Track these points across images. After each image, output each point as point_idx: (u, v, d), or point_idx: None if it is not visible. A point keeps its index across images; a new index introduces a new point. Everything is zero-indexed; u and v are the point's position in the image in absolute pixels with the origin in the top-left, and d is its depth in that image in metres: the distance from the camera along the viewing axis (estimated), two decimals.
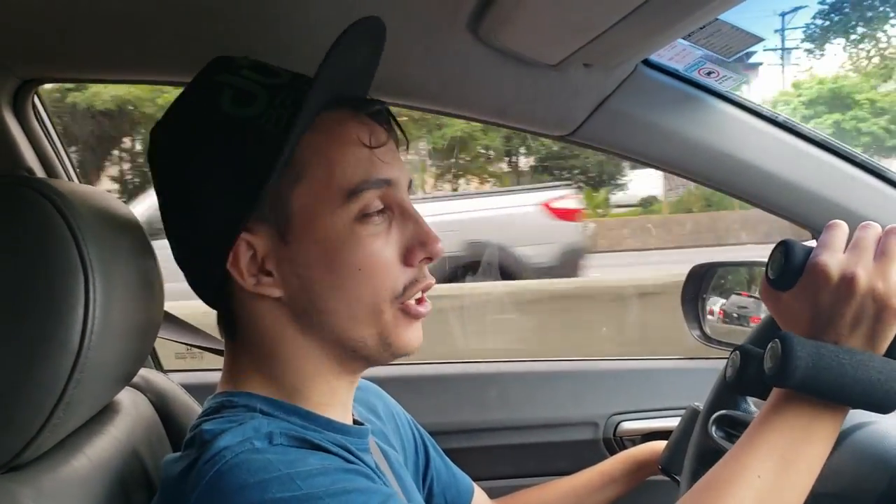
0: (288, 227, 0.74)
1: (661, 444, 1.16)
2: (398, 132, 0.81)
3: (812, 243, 0.73)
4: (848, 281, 0.68)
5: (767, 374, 0.69)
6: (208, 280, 0.77)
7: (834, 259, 0.70)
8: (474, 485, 1.09)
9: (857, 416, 0.82)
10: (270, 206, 0.73)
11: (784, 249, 0.72)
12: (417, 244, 0.77)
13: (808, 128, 1.14)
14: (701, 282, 1.40)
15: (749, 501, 0.66)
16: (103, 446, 0.79)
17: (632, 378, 1.58)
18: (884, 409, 0.69)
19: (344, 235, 0.74)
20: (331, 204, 0.73)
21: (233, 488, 0.65)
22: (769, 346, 0.70)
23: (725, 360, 0.80)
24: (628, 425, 1.51)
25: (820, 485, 0.78)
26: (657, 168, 1.19)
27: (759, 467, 0.67)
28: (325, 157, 0.74)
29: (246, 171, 0.72)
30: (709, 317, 1.43)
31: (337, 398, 0.80)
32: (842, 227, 0.72)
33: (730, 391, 0.78)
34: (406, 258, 0.76)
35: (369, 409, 0.96)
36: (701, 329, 1.40)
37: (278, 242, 0.74)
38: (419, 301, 0.79)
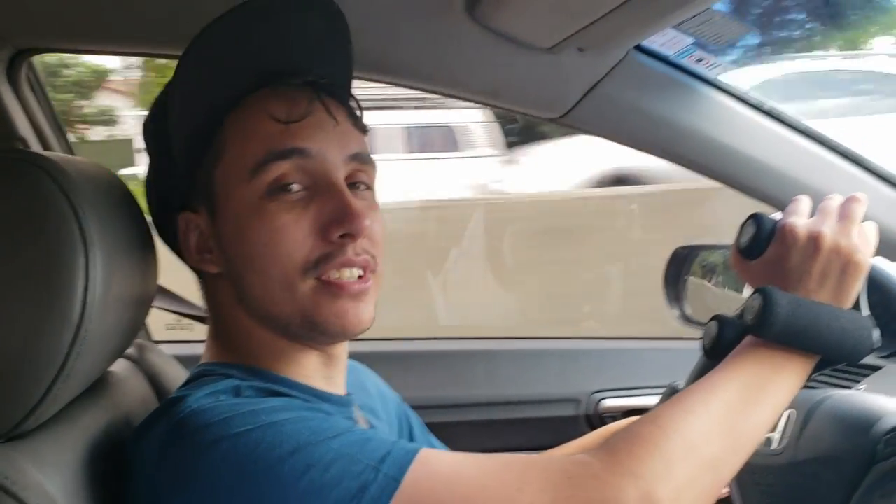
0: (214, 205, 0.78)
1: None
2: (348, 106, 0.81)
3: (778, 215, 0.78)
4: (814, 239, 0.74)
5: (749, 325, 0.73)
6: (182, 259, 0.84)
7: (801, 221, 0.76)
8: None
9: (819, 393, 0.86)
10: (202, 186, 0.78)
11: (755, 220, 0.78)
12: (335, 219, 0.74)
13: (794, 116, 1.16)
14: (683, 264, 1.42)
15: (716, 409, 0.69)
16: (99, 416, 0.80)
17: (614, 357, 1.61)
18: (854, 356, 0.74)
19: (251, 210, 0.75)
20: (241, 180, 0.75)
21: (197, 428, 0.67)
22: (749, 300, 0.74)
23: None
24: (609, 402, 1.54)
25: (801, 452, 0.82)
26: (647, 152, 1.20)
27: (727, 385, 0.71)
28: (241, 134, 0.76)
29: (180, 153, 0.78)
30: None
31: (311, 370, 0.81)
32: (807, 198, 0.79)
33: (708, 358, 0.81)
34: (323, 232, 0.75)
35: (359, 387, 0.98)
36: (682, 310, 1.42)
37: (209, 221, 0.79)
38: (360, 277, 0.77)
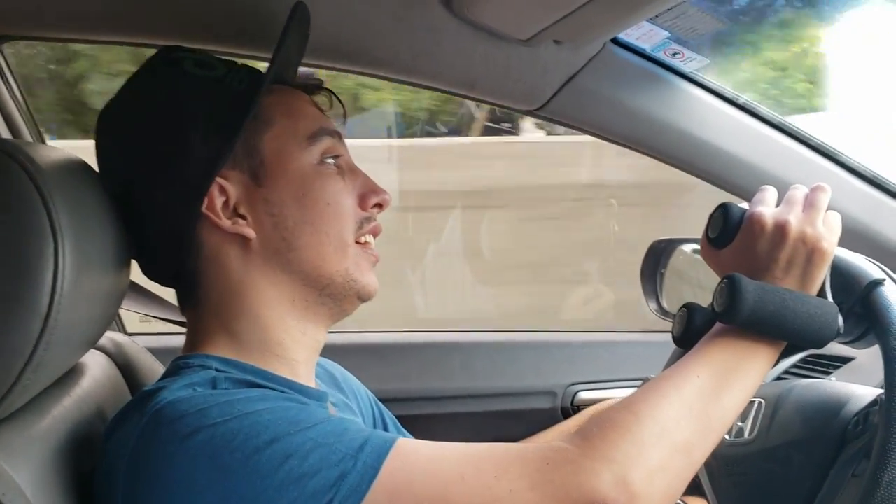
0: (261, 170, 0.81)
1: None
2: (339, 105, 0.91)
3: (746, 205, 0.80)
4: (781, 227, 0.76)
5: (717, 312, 0.74)
6: (178, 234, 0.80)
7: (768, 211, 0.78)
8: None
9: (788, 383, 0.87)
10: (242, 153, 0.80)
11: (723, 210, 0.80)
12: (370, 191, 0.85)
13: (768, 110, 1.17)
14: (660, 257, 1.43)
15: (687, 394, 0.71)
16: (70, 407, 0.80)
17: (591, 350, 1.62)
18: (820, 341, 0.75)
19: (312, 174, 0.82)
20: (298, 147, 0.82)
21: (172, 419, 0.67)
22: (717, 286, 0.75)
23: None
24: (585, 395, 1.55)
25: (773, 439, 0.83)
26: (622, 145, 1.21)
27: (698, 370, 0.73)
28: (287, 110, 0.83)
29: (218, 121, 0.78)
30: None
31: (301, 354, 0.83)
32: (773, 189, 0.81)
33: (678, 346, 0.83)
34: (361, 202, 0.85)
35: (332, 384, 0.98)
36: (659, 303, 1.43)
37: (251, 186, 0.80)
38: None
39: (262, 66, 0.85)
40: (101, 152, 0.83)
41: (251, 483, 0.63)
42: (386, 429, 1.06)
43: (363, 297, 0.85)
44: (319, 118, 0.86)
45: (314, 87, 0.89)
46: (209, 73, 0.81)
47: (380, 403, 1.08)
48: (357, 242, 0.84)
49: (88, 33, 1.11)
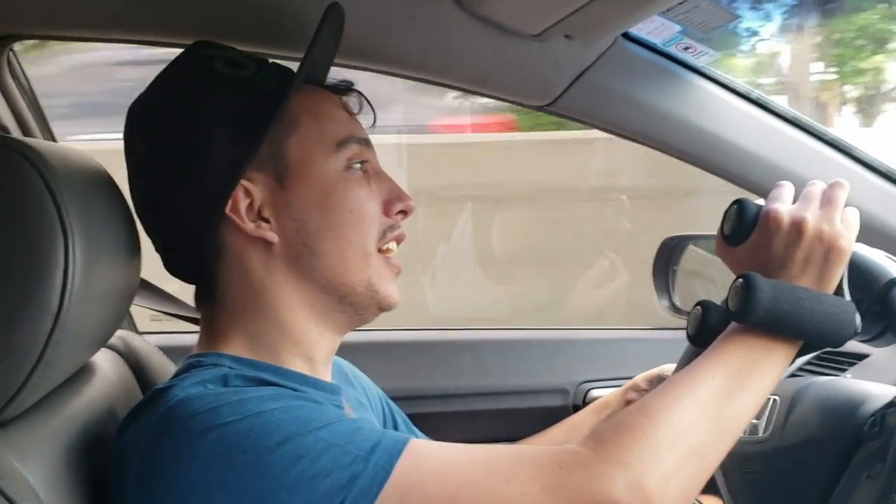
0: (286, 173, 0.80)
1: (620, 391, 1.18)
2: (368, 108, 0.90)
3: (762, 201, 0.78)
4: (797, 225, 0.74)
5: (732, 311, 0.73)
6: (201, 235, 0.79)
7: (784, 207, 0.76)
8: None
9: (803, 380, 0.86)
10: (268, 156, 0.79)
11: (738, 207, 0.78)
12: (395, 198, 0.84)
13: (782, 105, 1.16)
14: (672, 254, 1.42)
15: (702, 396, 0.70)
16: (80, 406, 0.80)
17: (603, 347, 1.61)
18: (837, 340, 0.74)
19: (336, 180, 0.81)
20: (324, 152, 0.81)
21: (184, 418, 0.66)
22: (732, 285, 0.74)
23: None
24: (597, 392, 1.54)
25: (787, 438, 0.82)
26: (633, 140, 1.20)
27: (713, 372, 0.72)
28: (314, 113, 0.82)
29: (245, 123, 0.78)
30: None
31: (316, 355, 0.82)
32: (790, 185, 0.80)
33: (693, 344, 0.82)
34: (386, 209, 0.83)
35: (344, 382, 0.98)
36: (671, 300, 1.42)
37: (275, 189, 0.80)
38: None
39: (292, 65, 0.84)
40: (129, 150, 0.82)
41: (262, 483, 0.63)
42: (396, 427, 1.06)
43: (384, 308, 0.84)
44: (348, 123, 0.85)
45: (345, 88, 0.88)
46: (238, 72, 0.80)
47: (391, 402, 1.08)
48: (380, 251, 0.83)
49: (105, 32, 1.11)
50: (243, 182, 0.78)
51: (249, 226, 0.78)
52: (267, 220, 0.79)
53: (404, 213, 0.85)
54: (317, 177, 0.80)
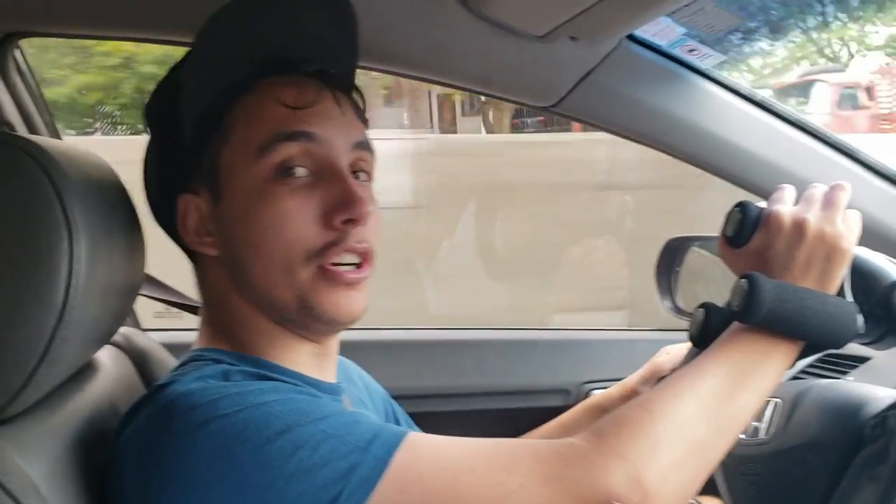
0: (219, 186, 0.77)
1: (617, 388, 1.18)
2: (354, 95, 0.84)
3: (764, 203, 0.79)
4: (799, 226, 0.75)
5: (734, 311, 0.74)
6: (175, 241, 0.83)
7: (786, 209, 0.76)
8: None
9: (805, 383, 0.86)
10: (206, 169, 0.78)
11: (741, 208, 0.79)
12: (339, 204, 0.75)
13: (785, 107, 1.16)
14: (675, 255, 1.42)
15: (702, 393, 0.70)
16: (84, 403, 0.80)
17: (604, 348, 1.61)
18: (839, 341, 0.74)
19: (257, 192, 0.75)
20: (247, 160, 0.75)
21: (183, 410, 0.67)
22: (735, 285, 0.74)
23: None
24: (599, 393, 1.54)
25: (789, 440, 0.82)
26: (637, 142, 1.20)
27: (714, 370, 0.72)
28: (249, 117, 0.77)
29: (175, 141, 0.78)
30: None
31: (303, 358, 0.81)
32: (791, 187, 0.80)
33: (695, 346, 0.82)
34: (326, 218, 0.75)
35: (346, 379, 0.98)
36: (673, 301, 1.42)
37: (212, 204, 0.78)
38: (357, 266, 0.77)
39: None
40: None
41: (262, 473, 0.63)
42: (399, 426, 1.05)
43: (326, 322, 0.77)
44: (285, 119, 0.75)
45: (299, 69, 0.79)
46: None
47: (394, 402, 1.08)
48: (321, 266, 0.75)
49: (110, 30, 1.11)
50: (188, 196, 0.79)
51: (193, 240, 0.80)
52: (211, 234, 0.79)
53: (354, 221, 0.75)
54: (240, 189, 0.76)
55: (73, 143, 0.83)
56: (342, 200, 0.75)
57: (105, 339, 0.86)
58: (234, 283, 0.79)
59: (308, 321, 0.78)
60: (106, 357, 0.92)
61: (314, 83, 0.79)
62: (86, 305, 0.69)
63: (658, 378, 1.10)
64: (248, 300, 0.79)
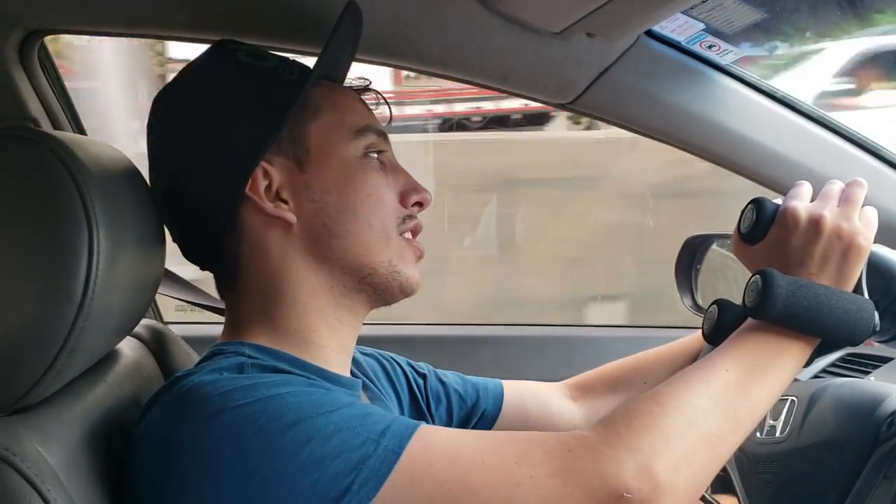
0: (306, 157, 0.82)
1: None
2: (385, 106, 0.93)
3: (780, 200, 0.78)
4: (815, 222, 0.75)
5: (749, 307, 0.73)
6: (221, 215, 0.81)
7: (802, 205, 0.77)
8: (507, 382, 1.09)
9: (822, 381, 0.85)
10: (288, 140, 0.82)
11: (756, 205, 0.79)
12: (411, 189, 0.86)
13: (807, 104, 1.15)
14: (695, 252, 1.41)
15: (715, 387, 0.70)
16: (104, 393, 0.81)
17: (621, 345, 1.60)
18: (855, 338, 0.74)
19: (356, 165, 0.83)
20: (343, 139, 0.83)
21: (197, 401, 0.68)
22: (749, 281, 0.74)
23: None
24: None
25: (804, 438, 0.81)
26: (656, 139, 1.20)
27: (727, 364, 0.72)
28: (335, 103, 0.85)
29: (267, 107, 0.80)
30: None
31: (336, 342, 0.83)
32: (808, 184, 0.81)
33: (709, 343, 0.82)
34: (402, 199, 0.85)
35: (371, 378, 0.99)
36: (693, 299, 1.41)
37: (295, 172, 0.82)
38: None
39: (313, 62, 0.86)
40: (152, 135, 0.85)
41: (273, 464, 0.64)
42: (411, 384, 1.04)
43: (405, 290, 0.85)
44: (367, 115, 0.87)
45: (362, 87, 0.91)
46: (261, 62, 0.84)
47: (411, 365, 1.07)
48: (400, 235, 0.85)
49: (134, 28, 1.13)
50: (263, 163, 0.80)
51: (268, 205, 0.80)
52: (286, 202, 0.81)
53: (420, 204, 0.87)
54: (336, 161, 0.82)
55: (95, 139, 0.84)
56: (413, 186, 0.86)
57: (125, 331, 0.87)
58: (312, 253, 0.81)
59: (387, 288, 0.84)
60: (127, 349, 0.94)
61: (372, 93, 0.92)
62: (106, 298, 0.70)
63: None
64: (324, 269, 0.82)
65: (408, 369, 1.06)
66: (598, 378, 1.14)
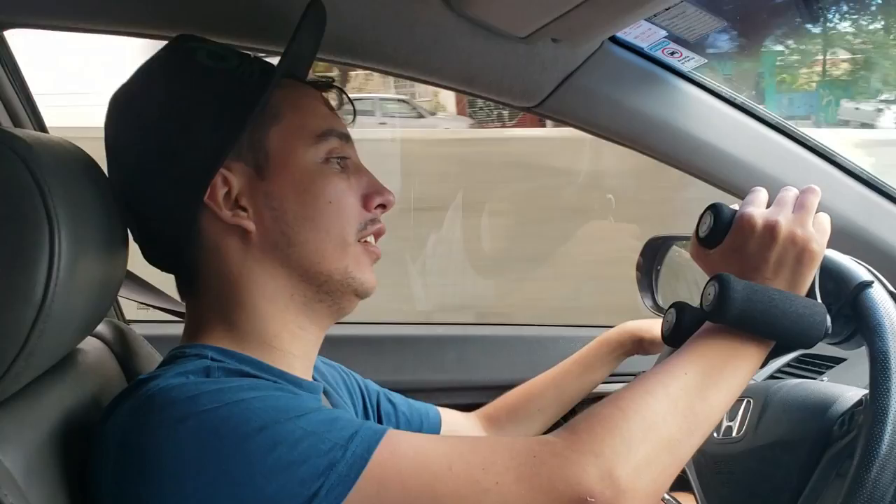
0: (266, 163, 0.81)
1: (633, 324, 1.23)
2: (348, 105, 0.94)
3: (737, 205, 0.80)
4: (770, 228, 0.76)
5: (706, 311, 0.75)
6: (179, 223, 0.80)
7: (758, 211, 0.78)
8: (441, 410, 1.13)
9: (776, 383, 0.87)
10: (248, 146, 0.81)
11: (714, 210, 0.80)
12: (374, 192, 0.85)
13: (765, 110, 1.18)
14: (656, 254, 1.43)
15: (674, 390, 0.72)
16: (65, 395, 0.80)
17: (584, 344, 1.62)
18: (808, 341, 0.76)
19: (316, 171, 0.82)
20: (304, 144, 0.82)
21: (163, 405, 0.68)
22: (706, 286, 0.76)
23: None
24: None
25: (760, 438, 0.83)
26: (619, 143, 1.21)
27: (686, 368, 0.74)
28: (296, 106, 0.84)
29: (226, 112, 0.79)
30: None
31: (299, 349, 0.83)
32: (763, 189, 0.82)
33: (667, 345, 0.84)
34: (365, 203, 0.85)
35: (331, 385, 0.99)
36: (654, 300, 1.43)
37: (254, 179, 0.81)
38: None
39: (276, 61, 0.84)
40: (109, 137, 0.84)
41: (240, 469, 0.64)
42: (368, 402, 1.07)
43: (360, 294, 0.85)
44: (329, 118, 0.86)
45: (325, 84, 0.90)
46: (220, 63, 0.82)
47: (368, 384, 1.09)
48: (359, 241, 0.84)
49: (94, 23, 1.11)
50: (222, 171, 0.79)
51: (226, 214, 0.80)
52: (244, 209, 0.80)
53: (383, 206, 0.86)
54: (296, 167, 0.81)
55: (57, 136, 0.83)
56: (376, 188, 0.85)
57: (86, 331, 0.86)
58: (269, 260, 0.81)
59: (343, 293, 0.84)
60: (88, 349, 0.92)
61: (336, 94, 0.91)
62: (67, 299, 0.69)
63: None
64: (282, 277, 0.81)
65: (363, 385, 1.08)
66: (503, 407, 1.19)
